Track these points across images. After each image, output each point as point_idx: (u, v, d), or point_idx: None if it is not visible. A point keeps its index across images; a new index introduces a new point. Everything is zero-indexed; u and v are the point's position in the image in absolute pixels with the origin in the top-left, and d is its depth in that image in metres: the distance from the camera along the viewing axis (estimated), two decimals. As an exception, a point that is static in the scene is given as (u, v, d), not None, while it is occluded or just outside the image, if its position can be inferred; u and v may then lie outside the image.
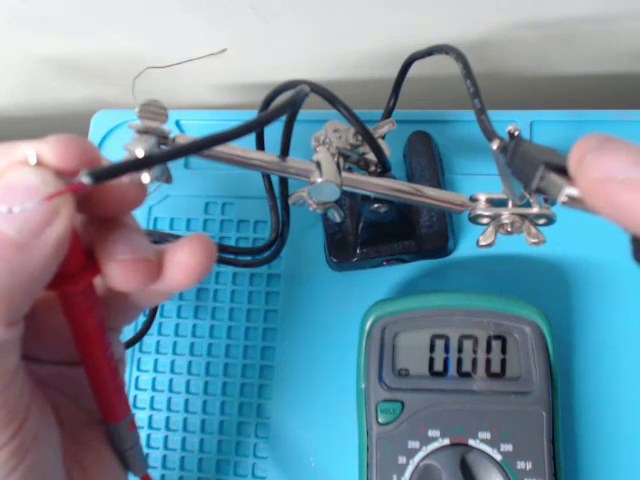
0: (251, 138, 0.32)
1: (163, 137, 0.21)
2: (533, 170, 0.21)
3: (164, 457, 0.36)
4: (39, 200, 0.17)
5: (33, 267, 0.17)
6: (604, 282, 0.35)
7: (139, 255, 0.20)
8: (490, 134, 0.27)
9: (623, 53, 0.42)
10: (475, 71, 0.30)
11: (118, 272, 0.20)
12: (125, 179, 0.19)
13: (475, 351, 0.32)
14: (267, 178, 0.37)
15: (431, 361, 0.32)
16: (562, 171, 0.20)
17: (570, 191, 0.19)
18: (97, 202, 0.20)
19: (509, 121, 0.38)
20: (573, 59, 0.43)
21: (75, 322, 0.21)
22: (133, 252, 0.20)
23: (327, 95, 0.28)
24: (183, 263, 0.21)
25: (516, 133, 0.25)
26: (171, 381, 0.37)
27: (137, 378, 0.38)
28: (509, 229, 0.26)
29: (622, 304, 0.35)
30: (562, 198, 0.19)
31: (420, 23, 0.39)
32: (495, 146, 0.25)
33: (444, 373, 0.32)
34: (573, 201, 0.19)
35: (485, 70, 0.39)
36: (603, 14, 0.37)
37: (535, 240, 0.26)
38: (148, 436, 0.37)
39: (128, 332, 0.37)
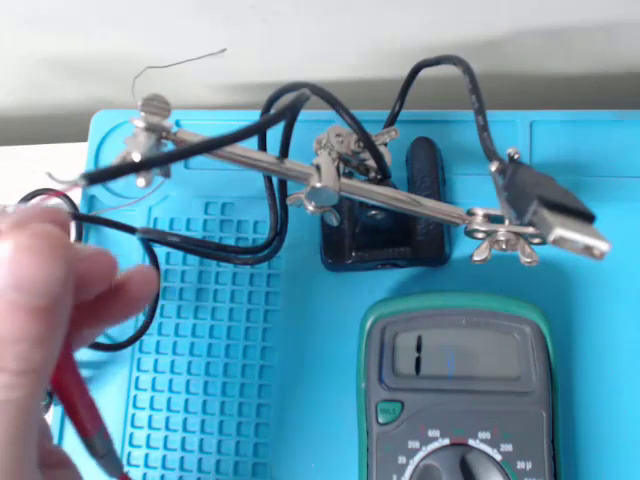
0: (253, 138, 0.32)
1: (165, 132, 0.21)
2: (527, 203, 0.20)
3: (164, 457, 0.36)
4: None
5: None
6: (604, 282, 0.35)
7: None
8: (490, 154, 0.26)
9: (623, 53, 0.42)
10: (475, 71, 0.30)
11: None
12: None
13: (475, 351, 0.32)
14: (267, 177, 0.37)
15: (431, 361, 0.32)
16: (556, 207, 0.20)
17: (560, 232, 0.19)
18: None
19: (509, 121, 0.38)
20: (573, 59, 0.43)
21: None
22: None
23: (330, 99, 0.28)
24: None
25: (516, 157, 0.25)
26: (171, 381, 0.37)
27: (137, 378, 0.38)
28: (504, 246, 0.26)
29: (622, 304, 0.35)
30: (552, 237, 0.19)
31: (421, 23, 0.39)
32: (494, 168, 0.25)
33: (444, 373, 0.32)
34: (563, 241, 0.19)
35: (485, 70, 0.39)
36: (603, 15, 0.37)
37: (529, 260, 0.26)
38: (148, 436, 0.37)
39: (128, 332, 0.37)
